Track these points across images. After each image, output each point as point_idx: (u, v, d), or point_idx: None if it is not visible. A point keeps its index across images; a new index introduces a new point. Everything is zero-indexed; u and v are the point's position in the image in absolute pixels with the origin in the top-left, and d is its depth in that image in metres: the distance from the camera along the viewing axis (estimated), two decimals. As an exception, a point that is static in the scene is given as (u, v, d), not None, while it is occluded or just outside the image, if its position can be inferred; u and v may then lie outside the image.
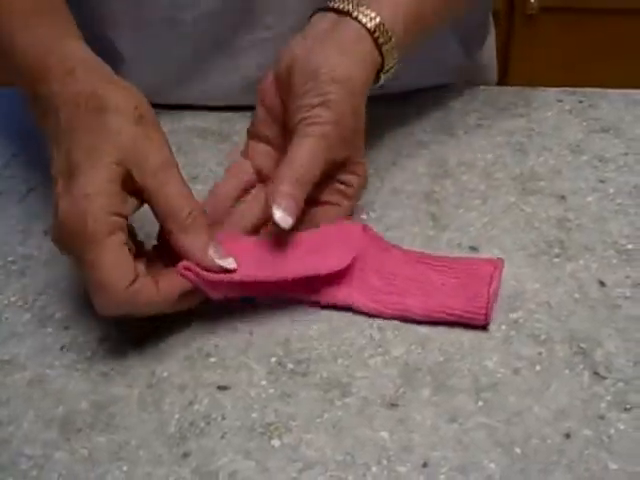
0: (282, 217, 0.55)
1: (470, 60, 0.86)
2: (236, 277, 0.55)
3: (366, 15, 0.61)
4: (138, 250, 0.57)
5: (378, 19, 0.61)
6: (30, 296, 0.61)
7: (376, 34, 0.61)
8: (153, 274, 0.55)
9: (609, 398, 0.53)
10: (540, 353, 0.56)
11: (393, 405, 0.53)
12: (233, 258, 0.55)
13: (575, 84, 0.85)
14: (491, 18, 0.90)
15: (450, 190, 0.70)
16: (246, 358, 0.56)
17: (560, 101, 0.81)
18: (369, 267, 0.59)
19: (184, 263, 0.55)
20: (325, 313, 0.59)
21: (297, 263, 0.57)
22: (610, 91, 0.83)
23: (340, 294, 0.58)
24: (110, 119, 0.55)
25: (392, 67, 0.64)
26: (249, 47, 0.76)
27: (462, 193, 0.70)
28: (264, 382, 0.55)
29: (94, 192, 0.53)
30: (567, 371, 0.55)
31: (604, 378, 0.54)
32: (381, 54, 0.62)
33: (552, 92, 0.83)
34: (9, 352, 0.57)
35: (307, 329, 0.58)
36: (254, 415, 0.53)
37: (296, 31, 0.70)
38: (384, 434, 0.51)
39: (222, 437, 0.51)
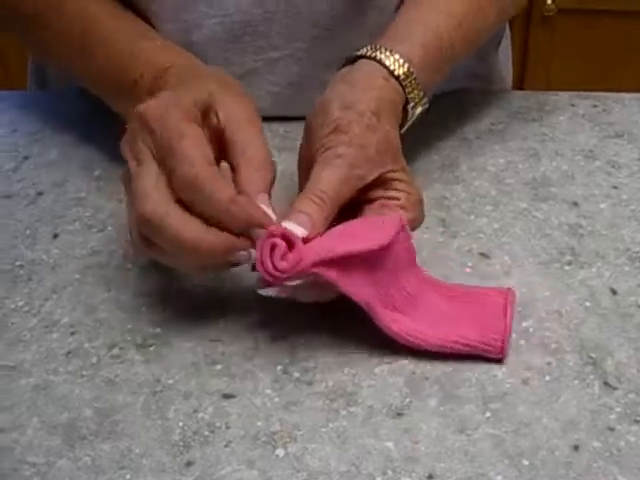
0: (292, 227, 0.54)
1: (484, 65, 0.86)
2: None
3: (388, 57, 0.62)
4: None
5: (401, 60, 0.62)
6: (37, 301, 0.61)
7: (396, 72, 0.62)
8: None
9: (619, 409, 0.52)
10: (550, 363, 0.55)
11: (399, 415, 0.52)
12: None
13: (592, 87, 0.85)
14: (506, 23, 0.89)
15: (461, 196, 0.69)
16: (252, 366, 0.56)
17: (573, 105, 0.81)
18: (395, 274, 0.56)
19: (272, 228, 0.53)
20: (331, 321, 0.58)
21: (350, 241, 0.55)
22: (624, 95, 0.82)
23: (362, 292, 0.55)
24: (208, 73, 0.59)
25: (420, 100, 0.63)
26: (260, 67, 0.76)
27: (473, 199, 0.69)
28: (269, 390, 0.54)
29: (179, 94, 0.55)
30: (577, 381, 0.54)
31: (614, 389, 0.54)
32: (400, 84, 0.62)
33: (565, 96, 0.82)
34: (14, 358, 0.57)
35: (313, 337, 0.57)
36: (259, 424, 0.52)
37: (306, 54, 0.71)
38: (389, 444, 0.51)
39: (226, 446, 0.51)
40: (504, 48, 0.91)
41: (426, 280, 0.58)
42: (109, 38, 0.66)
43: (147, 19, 0.72)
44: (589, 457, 0.50)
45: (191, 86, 0.57)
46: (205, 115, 0.56)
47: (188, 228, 0.52)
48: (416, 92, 0.63)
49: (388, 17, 0.73)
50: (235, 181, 0.55)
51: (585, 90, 0.83)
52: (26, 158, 0.76)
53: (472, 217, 0.67)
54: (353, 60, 0.63)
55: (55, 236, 0.67)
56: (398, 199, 0.58)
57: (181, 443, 0.51)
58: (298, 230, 0.54)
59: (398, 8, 0.74)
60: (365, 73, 0.62)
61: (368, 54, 0.62)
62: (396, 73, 0.61)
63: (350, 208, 0.58)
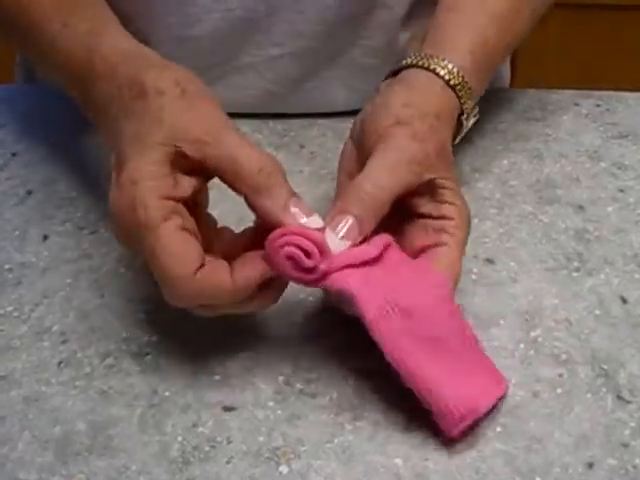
0: (337, 243, 0.51)
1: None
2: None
3: (443, 67, 0.59)
4: (216, 237, 0.53)
5: (455, 69, 0.59)
6: (26, 306, 0.59)
7: (452, 81, 0.58)
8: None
9: (633, 424, 0.51)
10: (561, 375, 0.54)
11: (406, 429, 0.51)
12: (318, 215, 0.50)
13: (585, 82, 0.83)
14: None
15: (464, 198, 0.67)
16: (252, 377, 0.54)
17: (577, 105, 0.79)
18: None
19: (277, 232, 0.49)
20: (334, 330, 0.56)
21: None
22: (627, 94, 0.81)
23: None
24: (151, 102, 0.51)
25: (472, 110, 0.61)
26: (259, 63, 0.73)
27: (477, 201, 0.67)
28: (271, 403, 0.52)
29: (140, 177, 0.49)
30: (589, 394, 0.52)
31: (628, 402, 0.52)
32: (456, 94, 0.59)
33: (568, 95, 0.80)
34: (4, 367, 0.55)
35: (316, 346, 0.55)
36: (261, 439, 0.50)
37: (308, 51, 0.68)
38: (398, 461, 0.49)
39: (228, 462, 0.49)
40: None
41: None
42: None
43: (147, 12, 0.69)
44: (604, 475, 0.48)
45: (150, 135, 0.50)
46: (179, 156, 0.50)
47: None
48: (470, 102, 0.60)
49: (397, 16, 0.72)
50: (253, 210, 0.51)
51: (578, 85, 0.82)
52: (14, 155, 0.73)
53: (476, 221, 0.65)
54: (398, 71, 0.60)
55: (45, 238, 0.64)
56: (453, 219, 0.54)
57: (180, 459, 0.49)
58: (336, 243, 0.50)
59: (410, 7, 0.72)
60: (421, 80, 0.58)
61: (420, 63, 0.59)
62: (452, 83, 0.58)
63: (392, 217, 0.54)
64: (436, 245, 0.53)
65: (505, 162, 0.72)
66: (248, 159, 0.50)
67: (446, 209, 0.54)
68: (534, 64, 1.72)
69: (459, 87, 0.58)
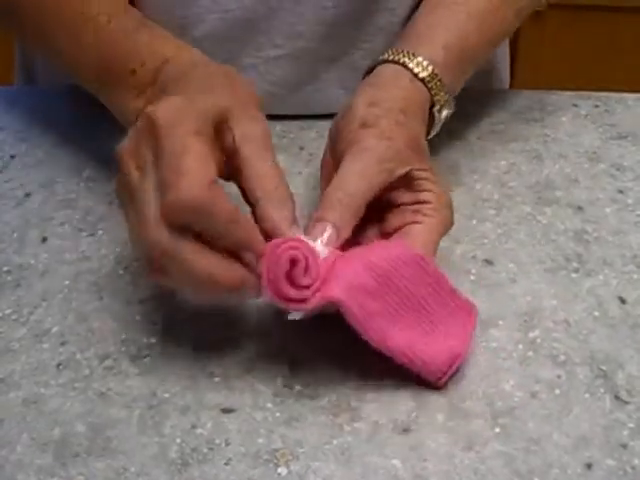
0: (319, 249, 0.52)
1: (484, 64, 0.84)
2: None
3: (412, 60, 0.60)
4: None
5: (425, 62, 0.60)
6: (25, 309, 0.59)
7: (420, 74, 0.60)
8: None
9: (632, 425, 0.51)
10: (559, 376, 0.54)
11: (405, 430, 0.50)
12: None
13: (582, 82, 0.83)
14: None
15: (463, 199, 0.67)
16: (251, 378, 0.53)
17: (575, 105, 0.79)
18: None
19: (280, 239, 0.50)
20: (332, 331, 0.56)
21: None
22: (626, 95, 0.81)
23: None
24: (234, 81, 0.55)
25: (445, 103, 0.62)
26: (258, 65, 0.73)
27: (475, 203, 0.67)
28: (270, 404, 0.52)
29: (189, 106, 0.50)
30: (587, 395, 0.52)
31: (626, 403, 0.52)
32: (425, 86, 0.60)
33: (567, 96, 0.80)
34: (3, 369, 0.54)
35: (314, 348, 0.55)
36: (260, 440, 0.50)
37: (308, 52, 0.67)
38: (396, 462, 0.49)
39: (226, 464, 0.49)
40: (502, 47, 0.89)
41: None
42: (99, 21, 0.62)
43: (146, 13, 0.69)
44: (602, 476, 0.48)
45: (206, 94, 0.53)
46: (218, 130, 0.52)
47: (202, 259, 0.49)
48: (442, 94, 0.61)
49: (399, 19, 0.72)
50: (257, 216, 0.52)
51: (576, 86, 0.82)
52: (13, 157, 0.73)
53: (474, 222, 0.65)
54: (374, 67, 0.62)
55: (44, 240, 0.64)
56: (430, 202, 0.55)
57: (179, 461, 0.49)
58: (318, 246, 0.51)
59: (413, 10, 0.72)
60: (389, 76, 0.60)
61: (390, 58, 0.60)
62: (420, 75, 0.60)
63: (373, 211, 0.55)
64: (410, 224, 0.55)
65: (504, 163, 0.72)
66: (272, 171, 0.52)
67: (423, 195, 0.55)
68: (532, 65, 1.73)
69: (428, 79, 0.60)
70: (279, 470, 0.48)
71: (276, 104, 0.75)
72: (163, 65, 0.57)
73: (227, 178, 0.53)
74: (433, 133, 0.63)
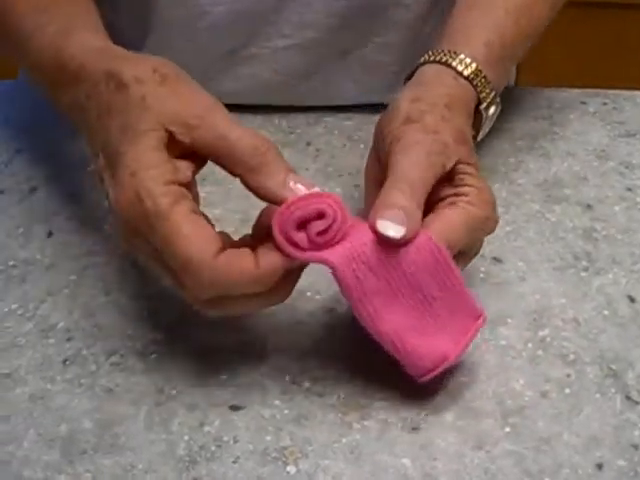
0: (386, 226, 0.48)
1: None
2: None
3: (455, 59, 0.59)
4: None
5: (468, 60, 0.59)
6: (31, 304, 0.58)
7: (465, 72, 0.59)
8: None
9: (643, 425, 0.50)
10: (569, 375, 0.53)
11: (415, 429, 0.50)
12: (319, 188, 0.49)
13: (591, 83, 0.83)
14: None
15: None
16: (259, 375, 0.53)
17: (584, 103, 0.78)
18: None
19: (282, 207, 0.47)
20: (340, 327, 0.56)
21: None
22: (635, 93, 0.80)
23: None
24: (132, 92, 0.50)
25: (492, 99, 0.60)
26: (265, 55, 0.73)
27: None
28: (278, 402, 0.52)
29: (139, 167, 0.47)
30: (598, 395, 0.52)
31: (637, 403, 0.52)
32: (470, 83, 0.59)
33: (575, 93, 0.80)
34: (9, 365, 0.54)
35: (324, 345, 0.55)
36: (268, 438, 0.50)
37: (316, 43, 0.66)
38: (406, 461, 0.49)
39: (234, 462, 0.48)
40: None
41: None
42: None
43: (153, 5, 0.69)
44: (613, 476, 0.48)
45: (138, 127, 0.49)
46: (171, 141, 0.49)
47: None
48: (487, 91, 0.59)
49: (414, 14, 0.71)
50: (252, 191, 0.49)
51: (582, 84, 0.81)
52: (18, 151, 0.72)
53: (483, 219, 0.65)
54: (416, 70, 0.60)
55: (50, 234, 0.64)
56: (467, 195, 0.52)
57: (187, 458, 0.49)
58: (391, 230, 0.48)
59: (429, 7, 0.72)
60: (432, 75, 0.58)
61: (432, 59, 0.59)
62: (465, 73, 0.58)
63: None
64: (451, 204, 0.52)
65: (512, 160, 0.71)
66: (240, 139, 0.48)
67: (463, 189, 0.53)
68: (538, 63, 1.72)
69: (472, 76, 0.58)
70: (288, 468, 0.48)
71: (284, 94, 0.75)
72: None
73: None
74: (482, 133, 0.61)
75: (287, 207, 0.47)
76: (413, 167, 0.51)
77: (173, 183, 0.48)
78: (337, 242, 0.48)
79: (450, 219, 0.51)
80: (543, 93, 0.80)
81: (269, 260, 0.47)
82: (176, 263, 0.47)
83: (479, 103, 0.59)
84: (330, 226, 0.48)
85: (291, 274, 0.49)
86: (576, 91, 0.80)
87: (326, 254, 0.48)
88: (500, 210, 0.65)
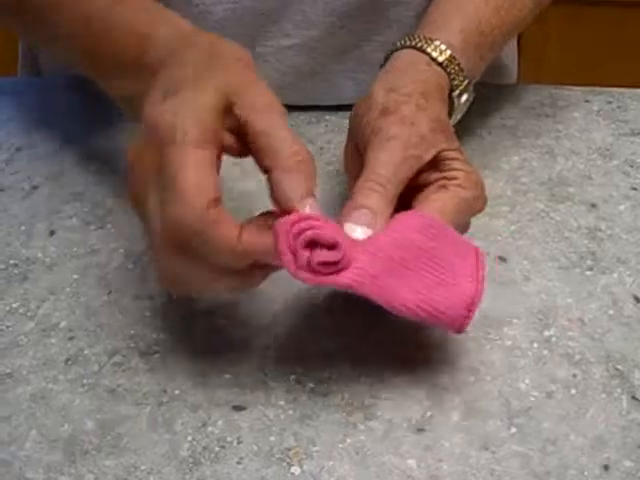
0: (353, 228, 0.50)
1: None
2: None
3: (429, 45, 0.59)
4: None
5: (443, 46, 0.59)
6: (33, 303, 0.58)
7: (439, 58, 0.59)
8: None
9: (649, 426, 0.50)
10: (575, 375, 0.53)
11: (420, 430, 0.50)
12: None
13: (586, 77, 0.82)
14: None
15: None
16: (263, 375, 0.53)
17: (587, 101, 0.78)
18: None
19: (293, 216, 0.47)
20: (345, 327, 0.55)
21: None
22: (639, 91, 0.80)
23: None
24: (222, 58, 0.51)
25: (465, 88, 0.60)
26: (268, 54, 0.73)
27: (488, 199, 0.66)
28: (282, 402, 0.51)
29: (191, 106, 0.47)
30: (604, 395, 0.52)
31: (643, 403, 0.51)
32: (444, 70, 0.59)
33: (578, 91, 0.80)
34: (10, 364, 0.54)
35: (328, 345, 0.54)
36: (272, 439, 0.49)
37: (318, 42, 0.66)
38: (411, 462, 0.48)
39: (238, 462, 0.48)
40: (510, 43, 0.89)
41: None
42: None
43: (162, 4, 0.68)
44: (620, 477, 0.47)
45: (202, 79, 0.50)
46: (227, 111, 0.50)
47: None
48: (460, 78, 0.60)
49: (414, 12, 0.71)
50: (273, 188, 0.49)
51: (582, 82, 0.81)
52: (19, 150, 0.72)
53: (487, 218, 0.64)
54: (391, 54, 0.61)
55: (51, 233, 0.64)
56: (456, 178, 0.53)
57: (190, 459, 0.48)
58: (357, 232, 0.49)
59: (428, 4, 0.71)
60: (407, 61, 0.59)
61: (407, 44, 0.59)
62: (439, 59, 0.59)
63: (403, 194, 0.53)
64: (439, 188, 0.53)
65: (516, 158, 0.71)
66: (288, 140, 0.49)
67: (450, 173, 0.54)
68: (537, 62, 1.71)
69: (446, 63, 0.59)
70: (292, 469, 0.48)
71: (285, 93, 0.74)
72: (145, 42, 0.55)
73: (242, 154, 0.51)
74: (453, 120, 0.61)
75: (298, 220, 0.47)
76: (388, 163, 0.52)
77: (211, 131, 0.47)
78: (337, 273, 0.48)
79: (443, 202, 0.53)
80: (546, 91, 0.79)
81: (251, 240, 0.47)
82: (169, 195, 0.46)
83: (452, 90, 0.60)
84: (339, 260, 0.47)
85: (266, 266, 0.49)
86: (580, 89, 0.80)
87: (335, 278, 0.47)
88: (504, 209, 0.66)
